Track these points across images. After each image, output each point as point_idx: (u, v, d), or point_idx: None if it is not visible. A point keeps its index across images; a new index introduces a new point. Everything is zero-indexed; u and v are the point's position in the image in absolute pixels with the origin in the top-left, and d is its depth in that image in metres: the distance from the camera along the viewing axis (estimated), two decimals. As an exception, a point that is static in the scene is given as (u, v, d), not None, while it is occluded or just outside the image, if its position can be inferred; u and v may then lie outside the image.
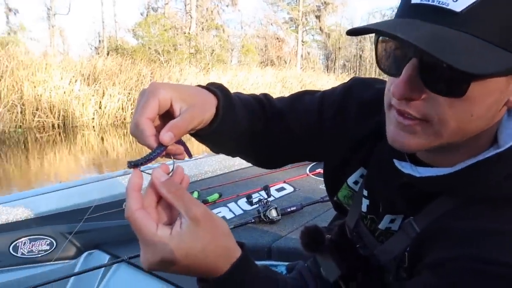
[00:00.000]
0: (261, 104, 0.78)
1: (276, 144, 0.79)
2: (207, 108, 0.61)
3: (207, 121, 0.61)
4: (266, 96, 0.80)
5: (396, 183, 0.63)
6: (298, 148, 0.81)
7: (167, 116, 0.57)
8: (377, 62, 0.56)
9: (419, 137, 0.53)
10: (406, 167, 0.60)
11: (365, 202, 0.73)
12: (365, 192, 0.72)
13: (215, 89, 0.65)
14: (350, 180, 0.76)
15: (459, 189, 0.56)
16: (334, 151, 0.77)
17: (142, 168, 0.52)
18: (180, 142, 0.57)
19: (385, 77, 0.62)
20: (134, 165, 0.51)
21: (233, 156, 0.81)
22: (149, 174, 0.52)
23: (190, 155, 0.61)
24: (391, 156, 0.62)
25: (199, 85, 0.66)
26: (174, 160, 0.55)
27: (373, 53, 0.59)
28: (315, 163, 2.76)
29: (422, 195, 0.60)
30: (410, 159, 0.62)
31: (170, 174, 0.54)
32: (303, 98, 0.80)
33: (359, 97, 0.74)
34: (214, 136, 0.65)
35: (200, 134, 0.64)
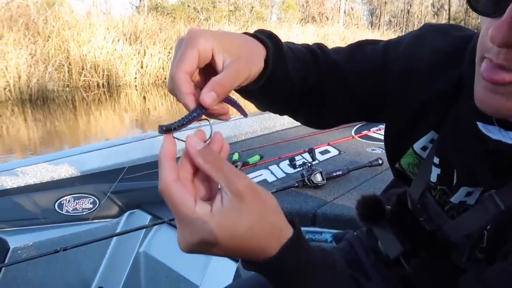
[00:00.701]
0: (315, 55, 0.67)
1: (330, 101, 0.69)
2: (255, 61, 0.52)
3: (254, 76, 0.52)
4: (320, 46, 0.70)
5: (478, 150, 0.52)
6: (355, 107, 0.70)
7: (207, 70, 0.48)
8: (468, 0, 0.44)
9: None
10: (494, 132, 0.49)
11: (435, 171, 0.62)
12: (436, 160, 0.61)
13: (265, 37, 0.55)
14: (417, 146, 0.65)
15: None
16: (399, 111, 0.65)
17: (175, 134, 0.45)
18: (227, 99, 0.48)
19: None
20: (167, 129, 0.43)
21: (281, 114, 0.72)
22: (183, 141, 0.44)
23: (245, 114, 0.52)
24: (474, 118, 0.51)
25: (245, 33, 0.56)
26: (211, 124, 0.47)
27: (423, 7, 0.47)
28: (360, 124, 2.63)
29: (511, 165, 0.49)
30: (499, 122, 0.51)
31: (207, 141, 0.45)
32: (363, 49, 0.69)
33: (432, 47, 0.62)
34: (261, 92, 0.57)
35: (244, 90, 0.56)
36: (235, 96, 0.55)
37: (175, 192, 0.41)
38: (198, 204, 0.42)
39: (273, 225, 0.44)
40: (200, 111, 0.44)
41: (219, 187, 0.43)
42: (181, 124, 0.44)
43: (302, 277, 0.47)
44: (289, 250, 0.45)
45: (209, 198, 0.45)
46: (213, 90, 0.45)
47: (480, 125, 0.50)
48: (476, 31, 0.61)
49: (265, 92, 0.58)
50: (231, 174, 0.42)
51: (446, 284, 0.67)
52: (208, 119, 0.47)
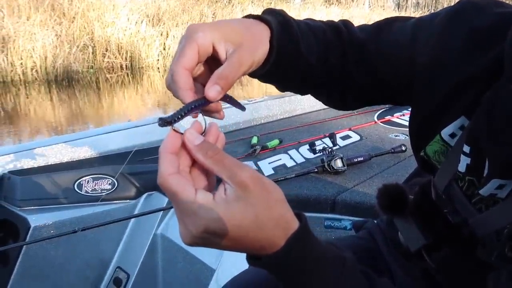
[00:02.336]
0: (338, 32, 0.63)
1: (353, 81, 0.65)
2: (258, 45, 0.50)
3: (259, 61, 0.51)
4: (345, 23, 0.66)
5: None
6: (379, 89, 0.66)
7: (214, 62, 0.48)
8: None
9: None
10: None
11: (464, 161, 0.57)
12: (466, 148, 0.56)
13: (270, 17, 0.53)
14: (445, 132, 0.60)
15: None
16: (427, 95, 0.61)
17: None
18: (223, 97, 0.47)
19: None
20: (168, 122, 0.42)
21: (301, 94, 0.70)
22: (181, 133, 0.43)
23: (242, 107, 0.51)
24: None
25: (249, 15, 0.54)
26: (205, 116, 0.47)
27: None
28: (383, 109, 2.55)
29: None
30: None
31: (203, 133, 0.44)
32: (391, 26, 0.64)
33: (468, 26, 0.56)
34: (271, 75, 0.56)
35: (255, 75, 0.55)
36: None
37: (175, 185, 0.40)
38: (199, 192, 0.40)
39: (280, 215, 0.42)
40: (199, 103, 0.44)
41: (223, 179, 0.42)
42: (182, 115, 0.43)
43: (309, 270, 0.44)
44: (296, 241, 0.43)
45: (208, 190, 0.43)
46: (217, 83, 0.44)
47: None
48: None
49: (275, 74, 0.56)
50: (233, 166, 0.41)
51: (469, 280, 0.63)
52: (202, 112, 0.47)
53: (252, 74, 0.55)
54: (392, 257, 0.79)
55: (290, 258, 0.43)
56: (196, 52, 0.45)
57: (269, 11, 0.56)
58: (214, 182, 0.45)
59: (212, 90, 0.44)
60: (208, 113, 0.47)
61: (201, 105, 0.44)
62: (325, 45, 0.61)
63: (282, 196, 0.43)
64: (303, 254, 0.44)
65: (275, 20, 0.54)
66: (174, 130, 0.42)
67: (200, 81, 0.48)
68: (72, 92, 7.53)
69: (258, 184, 0.41)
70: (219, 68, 0.46)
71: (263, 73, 0.54)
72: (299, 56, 0.57)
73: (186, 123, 0.44)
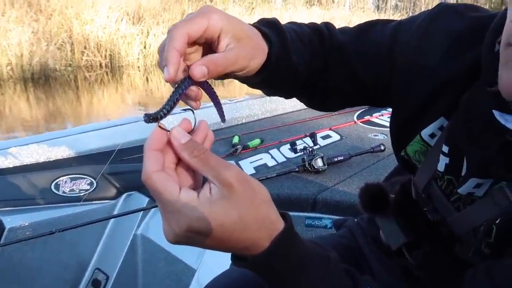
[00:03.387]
0: (321, 36, 0.64)
1: (334, 83, 0.66)
2: (255, 55, 0.51)
3: (253, 69, 0.52)
4: (328, 26, 0.67)
5: (494, 141, 0.49)
6: (359, 91, 0.67)
7: (207, 48, 0.48)
8: None
9: None
10: (511, 121, 0.45)
11: (443, 160, 0.58)
12: (445, 149, 0.58)
13: (270, 31, 0.55)
14: (425, 133, 0.61)
15: None
16: (407, 95, 0.62)
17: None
18: (212, 94, 0.47)
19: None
20: (153, 118, 0.41)
21: (287, 98, 0.71)
22: (168, 131, 0.42)
23: (222, 119, 0.50)
24: (489, 105, 0.47)
25: (253, 24, 0.55)
26: (194, 112, 0.46)
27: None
28: (363, 109, 2.59)
29: None
30: None
31: (192, 130, 0.44)
32: (371, 29, 0.65)
33: (447, 29, 0.58)
34: (264, 84, 0.58)
35: (248, 82, 0.56)
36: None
37: (158, 182, 0.39)
38: (183, 190, 0.40)
39: (264, 216, 0.42)
40: (182, 88, 0.43)
41: (208, 179, 0.41)
42: (167, 110, 0.42)
43: (294, 271, 0.45)
44: (281, 242, 0.43)
45: (194, 188, 0.43)
46: (206, 65, 0.43)
47: (496, 113, 0.47)
48: (492, 11, 0.57)
49: (266, 83, 0.58)
50: (219, 166, 0.40)
51: (449, 276, 0.65)
52: (193, 109, 0.46)
53: (246, 81, 0.56)
54: (373, 255, 0.80)
55: (275, 259, 0.43)
56: (204, 27, 0.44)
57: (266, 23, 0.57)
58: (201, 180, 0.44)
59: (199, 69, 0.43)
60: (186, 98, 0.46)
61: (183, 93, 0.43)
62: (310, 50, 0.62)
63: (268, 197, 0.43)
64: (288, 255, 0.44)
65: (275, 36, 0.55)
66: (160, 127, 0.41)
67: (186, 62, 0.47)
68: (49, 90, 7.35)
69: (243, 184, 0.40)
70: (214, 53, 0.46)
71: (255, 82, 0.56)
72: (290, 66, 0.59)
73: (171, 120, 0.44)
